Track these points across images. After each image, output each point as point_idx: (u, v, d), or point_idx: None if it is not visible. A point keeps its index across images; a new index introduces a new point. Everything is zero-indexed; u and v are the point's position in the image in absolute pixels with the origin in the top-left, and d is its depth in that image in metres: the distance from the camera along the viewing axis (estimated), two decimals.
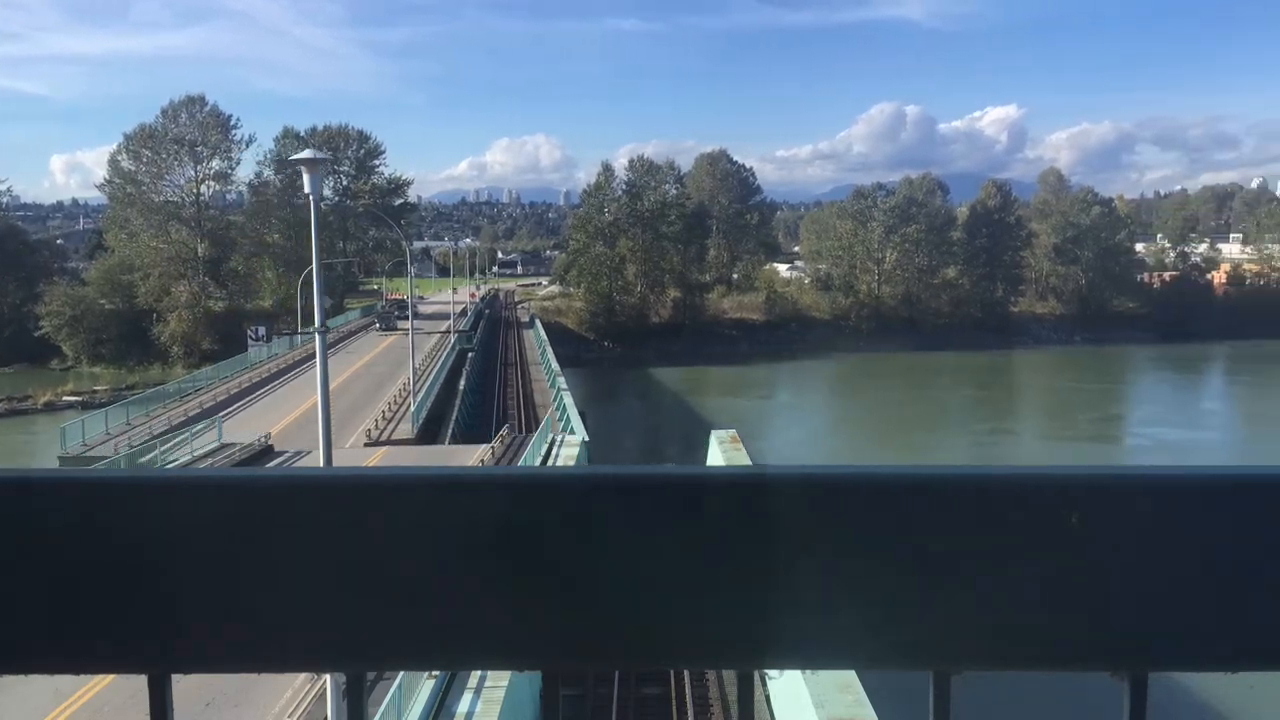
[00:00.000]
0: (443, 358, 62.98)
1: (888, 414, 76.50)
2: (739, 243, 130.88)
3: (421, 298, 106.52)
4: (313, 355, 67.75)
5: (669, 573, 0.76)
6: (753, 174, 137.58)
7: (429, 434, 43.80)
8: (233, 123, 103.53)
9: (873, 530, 0.75)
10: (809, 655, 0.77)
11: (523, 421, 51.06)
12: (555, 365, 65.58)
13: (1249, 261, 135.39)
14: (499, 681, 18.89)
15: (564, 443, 40.72)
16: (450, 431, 45.45)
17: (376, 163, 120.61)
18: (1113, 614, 0.76)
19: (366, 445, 39.68)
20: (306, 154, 22.05)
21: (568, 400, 51.69)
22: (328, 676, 13.76)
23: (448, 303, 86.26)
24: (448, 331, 73.68)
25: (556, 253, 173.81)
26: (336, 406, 48.24)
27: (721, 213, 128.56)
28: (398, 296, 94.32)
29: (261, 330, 73.78)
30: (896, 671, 0.75)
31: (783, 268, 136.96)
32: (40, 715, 17.98)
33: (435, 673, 18.23)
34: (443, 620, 0.76)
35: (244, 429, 41.57)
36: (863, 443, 64.22)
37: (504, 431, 44.51)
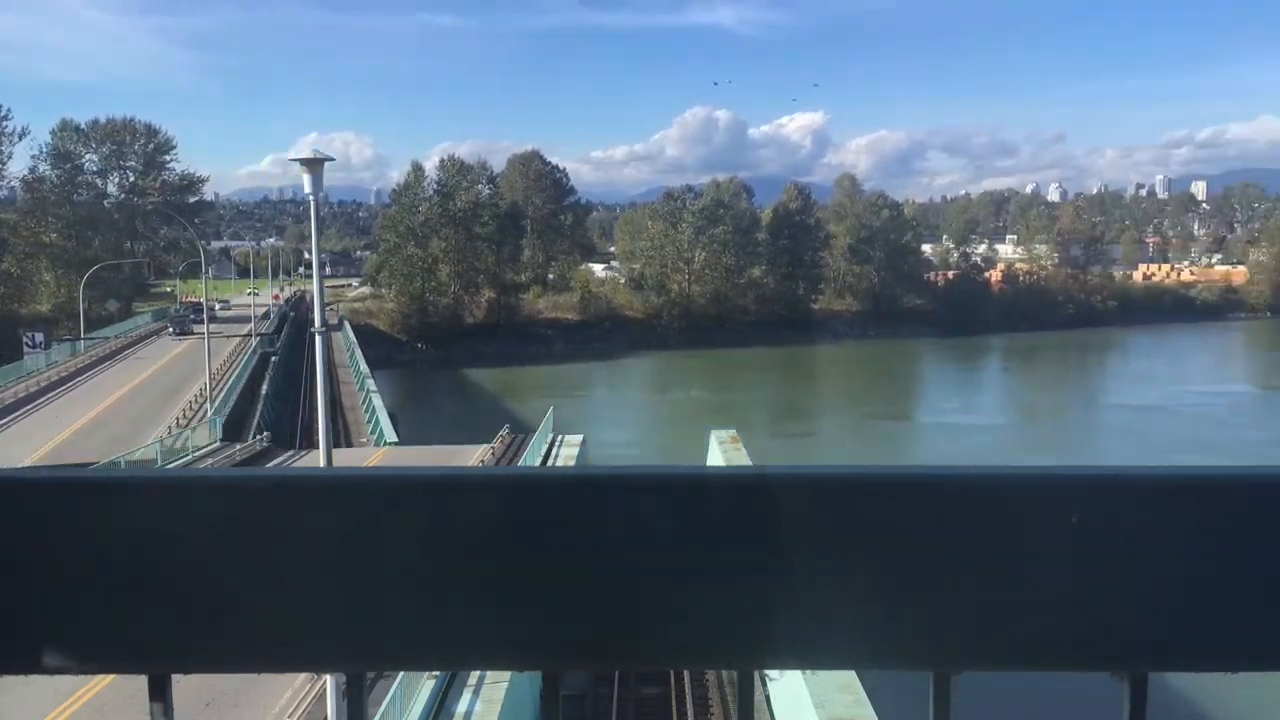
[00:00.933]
0: (243, 362, 60.53)
1: (699, 409, 79.24)
2: (554, 243, 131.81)
3: (223, 301, 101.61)
4: (95, 364, 63.19)
5: (669, 573, 0.76)
6: (566, 175, 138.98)
7: (229, 440, 42.02)
8: (1, 113, 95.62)
9: (873, 530, 0.76)
10: (809, 655, 0.77)
11: (333, 426, 49.80)
12: (364, 367, 64.36)
13: (1020, 261, 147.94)
14: (499, 681, 18.89)
15: (564, 442, 40.66)
16: (253, 437, 43.82)
17: (167, 158, 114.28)
18: (1113, 614, 0.76)
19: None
20: (306, 154, 20.93)
21: (377, 402, 50.89)
22: (328, 676, 13.72)
23: (253, 305, 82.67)
24: (249, 335, 70.98)
25: (368, 253, 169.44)
26: (124, 414, 45.74)
27: (536, 213, 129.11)
28: (194, 299, 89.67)
29: (39, 336, 68.39)
30: (896, 671, 0.75)
31: (598, 268, 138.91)
32: (40, 715, 17.95)
33: (435, 673, 18.01)
34: (443, 620, 0.76)
35: (18, 445, 38.41)
36: (674, 440, 66.22)
37: (504, 432, 44.26)
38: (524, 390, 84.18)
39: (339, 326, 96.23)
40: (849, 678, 17.87)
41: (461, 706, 18.85)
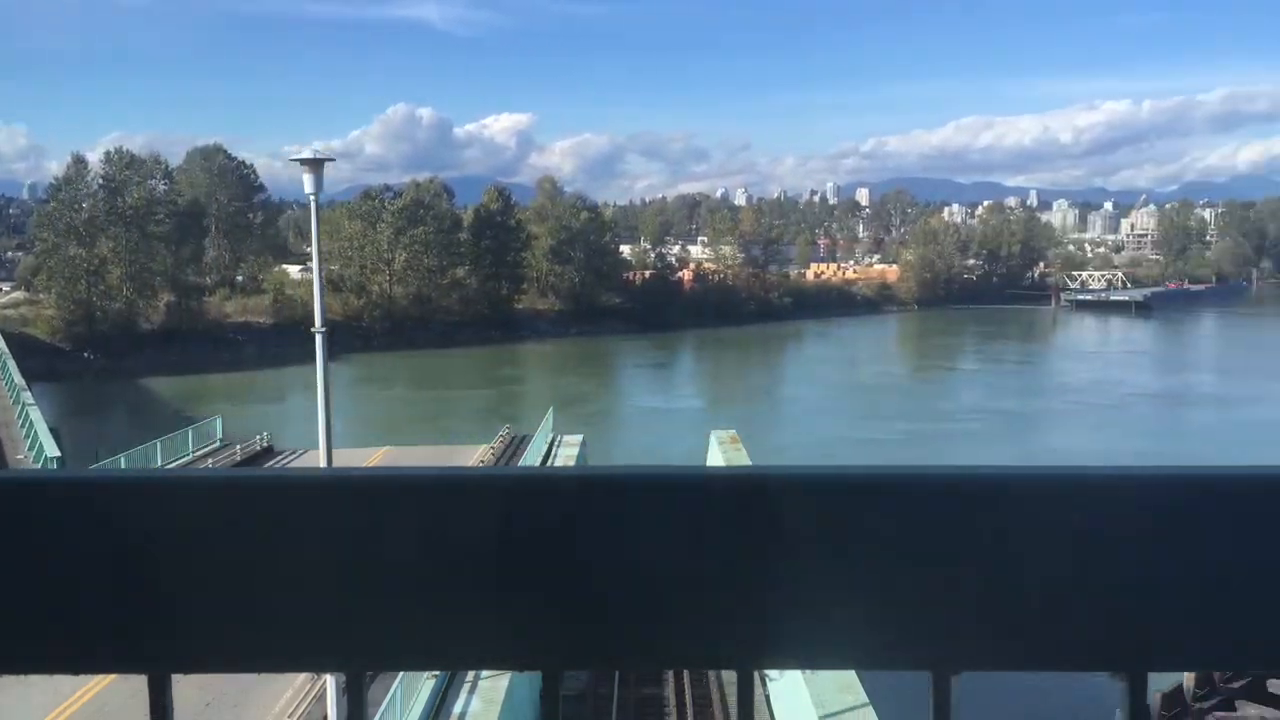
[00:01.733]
0: None
1: (402, 412, 78.47)
2: (242, 243, 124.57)
3: None
4: None
5: (669, 573, 0.75)
6: (254, 171, 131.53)
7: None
8: None
9: (872, 530, 0.75)
10: (809, 655, 0.77)
11: None
12: (19, 379, 58.04)
13: (709, 261, 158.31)
14: (499, 681, 18.64)
15: (563, 443, 39.90)
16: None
17: None
18: (1112, 614, 0.76)
19: None
20: (307, 153, 20.17)
21: (35, 415, 46.26)
22: (328, 676, 13.50)
23: None
24: None
25: (21, 254, 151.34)
26: None
27: (220, 211, 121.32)
28: None
29: None
30: (896, 671, 0.75)
31: (295, 269, 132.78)
32: (40, 715, 17.49)
33: (435, 673, 17.78)
34: (443, 620, 0.76)
35: None
36: (375, 442, 65.26)
37: (504, 431, 43.05)
38: (208, 398, 79.27)
39: None
40: (849, 678, 17.78)
41: (461, 706, 18.70)
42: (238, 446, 39.03)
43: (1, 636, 0.76)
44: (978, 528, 0.76)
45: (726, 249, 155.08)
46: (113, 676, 0.83)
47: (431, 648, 0.77)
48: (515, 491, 0.76)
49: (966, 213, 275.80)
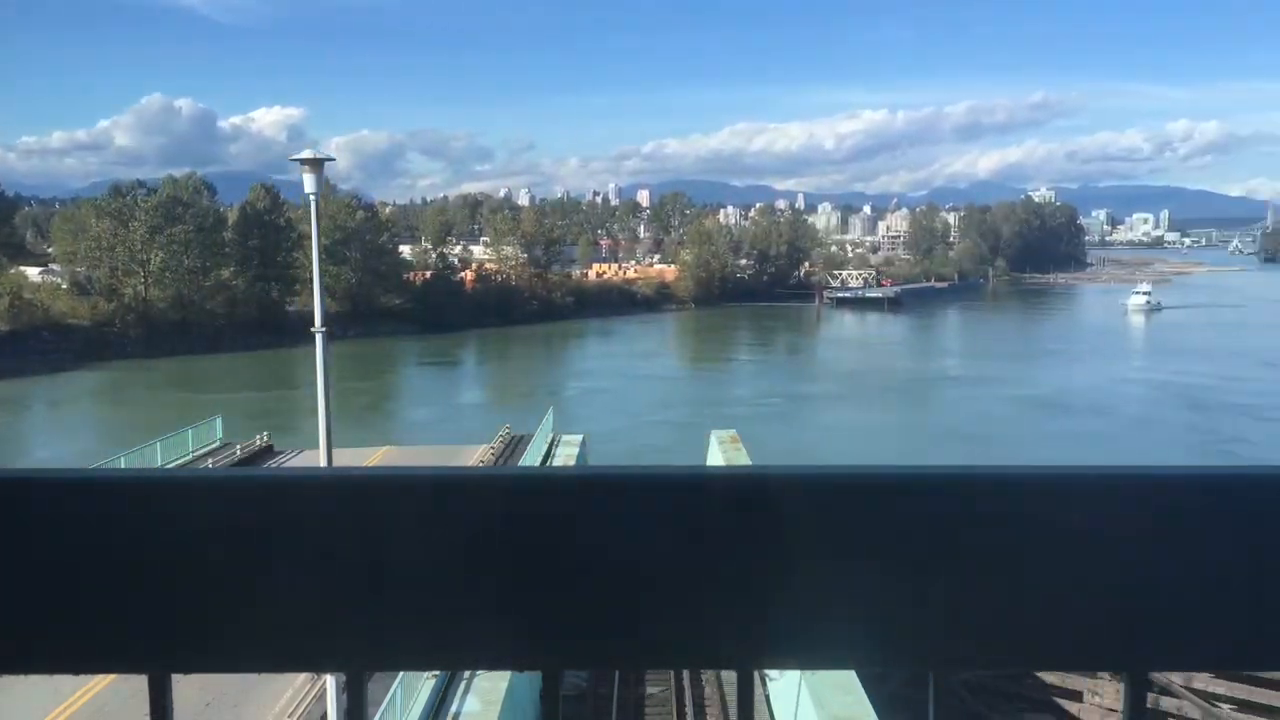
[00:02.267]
0: None
1: (156, 420, 73.76)
2: None
3: None
4: None
5: (669, 573, 0.76)
6: None
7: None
8: None
9: (873, 530, 0.76)
10: (809, 655, 0.77)
11: None
12: None
13: (490, 261, 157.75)
14: (499, 681, 18.45)
15: (563, 442, 39.39)
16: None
17: None
18: (1113, 614, 0.76)
19: None
20: (307, 153, 19.73)
21: None
22: (328, 676, 13.30)
23: None
24: None
25: None
26: None
27: None
28: None
29: None
30: (896, 671, 0.91)
31: (33, 271, 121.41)
32: (40, 715, 17.51)
33: (435, 673, 17.55)
34: (443, 620, 0.76)
35: None
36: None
37: (504, 431, 42.74)
38: None
39: None
40: (849, 678, 17.72)
41: (461, 706, 18.51)
42: (238, 446, 38.80)
43: (1, 636, 0.75)
44: (977, 527, 0.76)
45: (509, 249, 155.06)
46: (113, 676, 0.83)
47: (431, 648, 0.77)
48: (515, 491, 0.76)
49: (740, 214, 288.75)
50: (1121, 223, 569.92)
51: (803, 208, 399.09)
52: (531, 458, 37.28)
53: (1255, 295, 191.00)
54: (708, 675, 24.55)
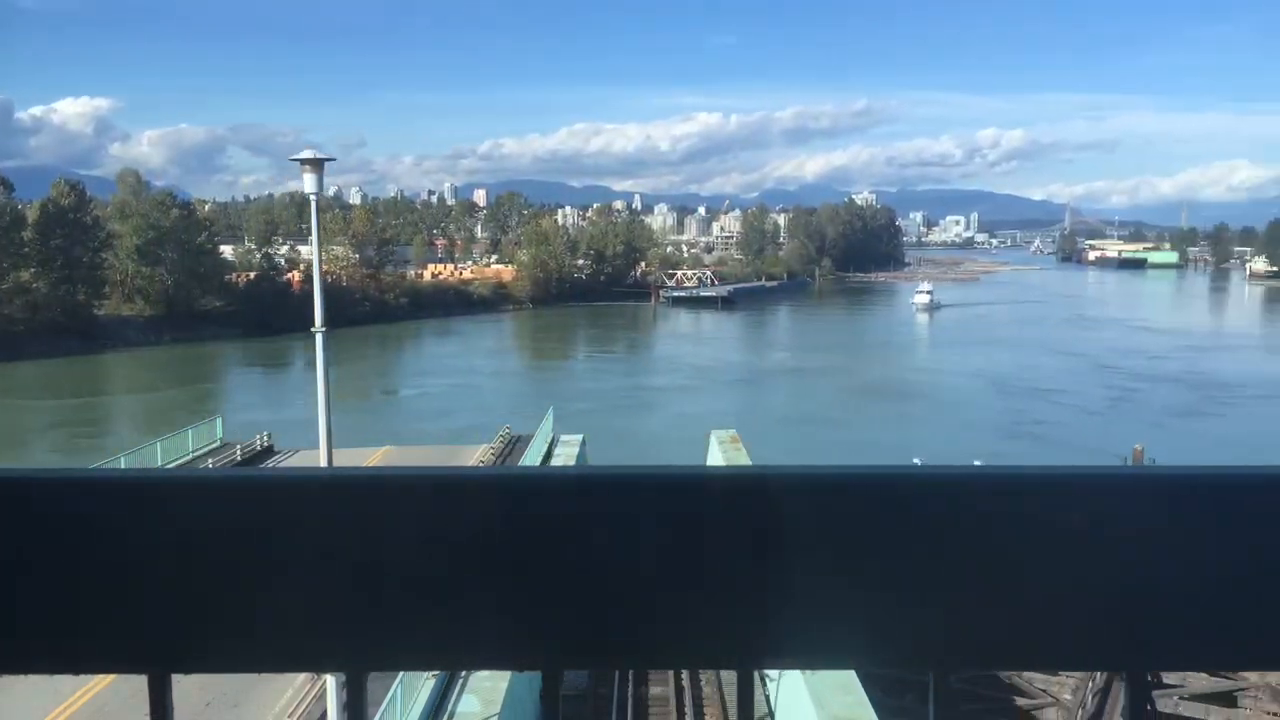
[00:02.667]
0: None
1: None
2: None
3: None
4: None
5: (669, 573, 0.76)
6: None
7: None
8: None
9: (872, 530, 0.76)
10: (809, 655, 0.77)
11: None
12: None
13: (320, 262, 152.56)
14: (499, 681, 18.40)
15: (562, 442, 39.42)
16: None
17: None
18: (1113, 614, 0.76)
19: None
20: (307, 153, 19.58)
21: None
22: (328, 676, 13.33)
23: None
24: None
25: None
26: None
27: None
28: None
29: None
30: (896, 671, 0.98)
31: None
32: (40, 715, 17.60)
33: (435, 673, 17.46)
34: (443, 620, 0.76)
35: None
36: None
37: (504, 431, 42.98)
38: None
39: None
40: (849, 678, 17.67)
41: (461, 706, 18.45)
42: (238, 446, 38.83)
43: (1, 636, 0.75)
44: (977, 527, 0.76)
45: (339, 249, 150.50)
46: (113, 676, 0.83)
47: (431, 648, 0.77)
48: (515, 491, 0.76)
49: (578, 215, 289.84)
50: (936, 224, 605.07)
51: (640, 208, 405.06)
52: (531, 458, 37.31)
53: (1053, 292, 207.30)
54: (708, 675, 24.46)
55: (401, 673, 15.52)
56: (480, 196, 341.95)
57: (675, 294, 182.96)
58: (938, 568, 0.76)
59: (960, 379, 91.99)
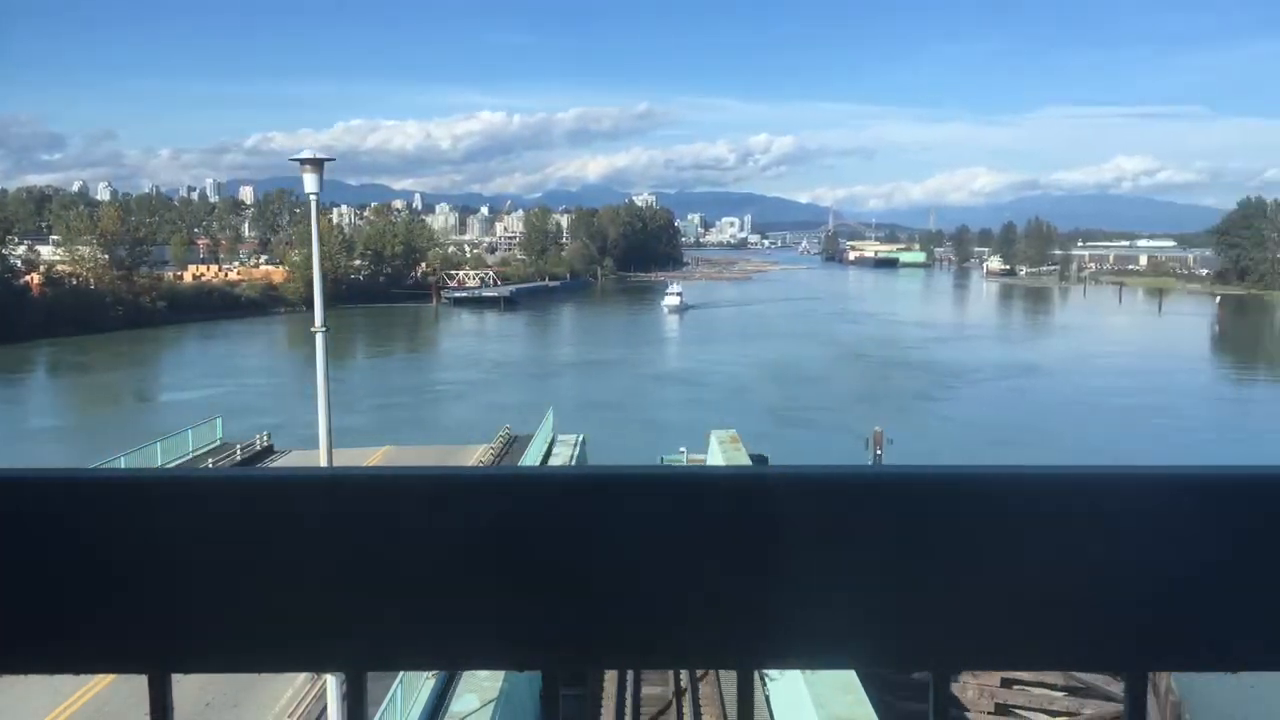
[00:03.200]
0: None
1: None
2: None
3: None
4: None
5: (669, 573, 0.76)
6: None
7: None
8: None
9: (872, 530, 0.76)
10: (809, 655, 0.78)
11: None
12: None
13: (64, 263, 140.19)
14: (499, 681, 18.33)
15: (561, 442, 39.42)
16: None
17: None
18: (1113, 614, 0.76)
19: None
20: (307, 153, 20.11)
21: None
22: (328, 676, 13.46)
23: None
24: None
25: None
26: None
27: None
28: None
29: None
30: (896, 671, 0.78)
31: None
32: (40, 715, 17.73)
33: (435, 673, 17.45)
34: (443, 620, 0.76)
35: None
36: None
37: (504, 431, 43.12)
38: None
39: None
40: (849, 678, 17.64)
41: (461, 706, 18.34)
42: (238, 446, 39.00)
43: (1, 636, 0.75)
44: (977, 527, 0.76)
45: (85, 249, 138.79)
46: (113, 676, 0.83)
47: (431, 648, 0.77)
48: (515, 490, 0.76)
49: (355, 214, 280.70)
50: (713, 225, 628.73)
51: (420, 208, 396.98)
52: (531, 458, 37.48)
53: (819, 289, 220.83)
54: (708, 675, 24.46)
55: (401, 673, 15.54)
56: (247, 194, 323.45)
57: (457, 294, 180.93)
58: (937, 567, 0.76)
59: (738, 367, 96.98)
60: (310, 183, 20.76)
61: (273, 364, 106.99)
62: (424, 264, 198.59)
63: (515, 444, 42.04)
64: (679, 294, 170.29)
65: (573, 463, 34.25)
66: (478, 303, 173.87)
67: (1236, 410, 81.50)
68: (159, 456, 35.65)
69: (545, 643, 0.77)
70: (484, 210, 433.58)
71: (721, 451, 36.25)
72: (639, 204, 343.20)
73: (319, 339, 21.85)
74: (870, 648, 0.77)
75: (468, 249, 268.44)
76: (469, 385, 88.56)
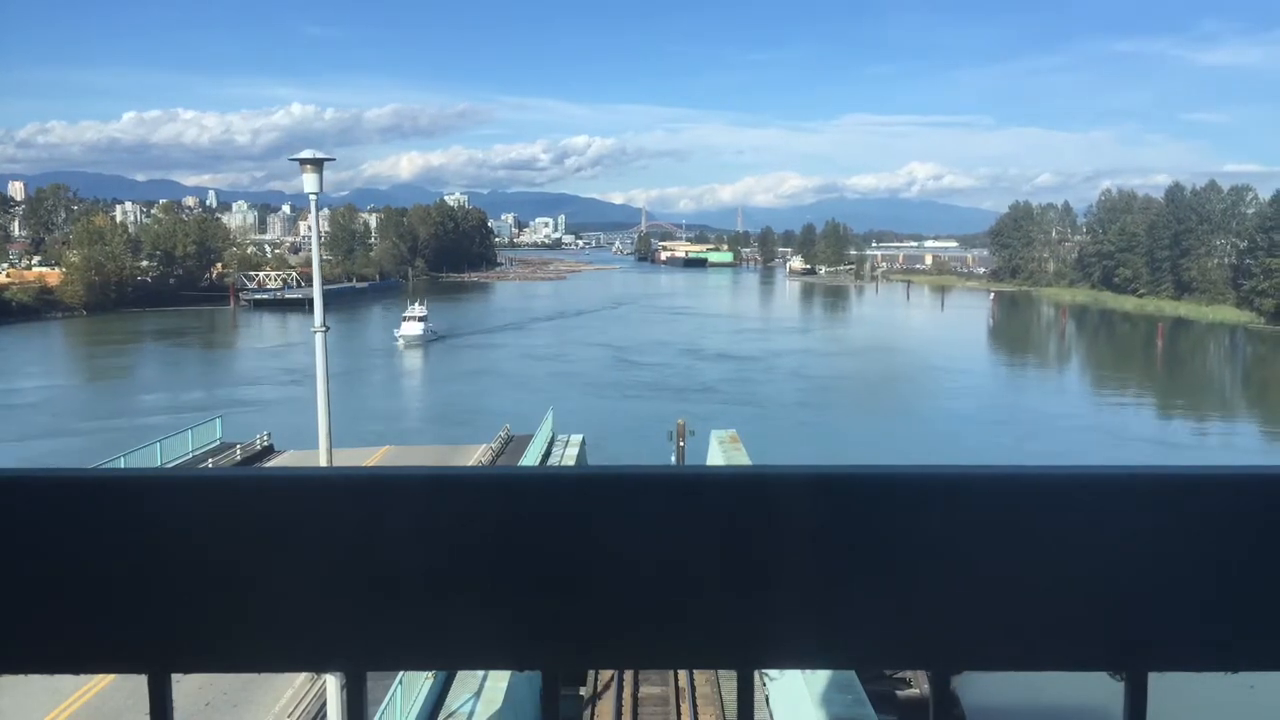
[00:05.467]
0: None
1: None
2: None
3: None
4: None
5: (669, 572, 0.76)
6: None
7: None
8: None
9: (872, 530, 0.76)
10: (809, 655, 0.78)
11: None
12: None
13: None
14: (499, 681, 18.65)
15: (562, 442, 39.85)
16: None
17: None
18: (1112, 614, 0.76)
19: None
20: (307, 153, 20.16)
21: None
22: (328, 676, 14.14)
23: None
24: None
25: None
26: None
27: None
28: None
29: None
30: (896, 671, 1.14)
31: None
32: (40, 715, 17.90)
33: (435, 672, 17.39)
34: (443, 620, 0.76)
35: None
36: None
37: (503, 430, 43.31)
38: None
39: None
40: (849, 678, 17.61)
41: (461, 706, 18.45)
42: (238, 446, 39.16)
43: (2, 636, 0.75)
44: (977, 527, 0.76)
45: None
46: (113, 676, 0.83)
47: (431, 647, 0.77)
48: (515, 490, 0.76)
49: (142, 211, 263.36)
50: (527, 225, 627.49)
51: (215, 205, 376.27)
52: (531, 458, 37.36)
53: (633, 290, 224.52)
54: (707, 675, 24.41)
55: (401, 673, 15.60)
56: (17, 189, 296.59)
57: (258, 296, 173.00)
58: (937, 568, 0.76)
59: (571, 362, 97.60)
60: (310, 183, 20.56)
61: (45, 374, 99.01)
62: (220, 265, 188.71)
63: (510, 444, 42.78)
64: (422, 318, 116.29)
65: (573, 463, 34.23)
66: (281, 305, 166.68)
67: (1001, 388, 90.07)
68: (159, 456, 35.76)
69: (545, 643, 0.76)
70: (286, 209, 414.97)
71: (721, 451, 35.91)
72: (450, 203, 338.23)
73: (318, 339, 21.83)
74: (870, 648, 0.77)
75: (269, 249, 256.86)
76: (260, 401, 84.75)
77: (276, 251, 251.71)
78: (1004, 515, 0.76)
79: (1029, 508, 0.76)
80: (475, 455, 39.89)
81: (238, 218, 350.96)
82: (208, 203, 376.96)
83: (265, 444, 41.54)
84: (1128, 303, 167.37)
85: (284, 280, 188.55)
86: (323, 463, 21.09)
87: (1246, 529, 0.76)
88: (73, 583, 0.75)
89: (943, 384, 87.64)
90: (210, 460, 37.55)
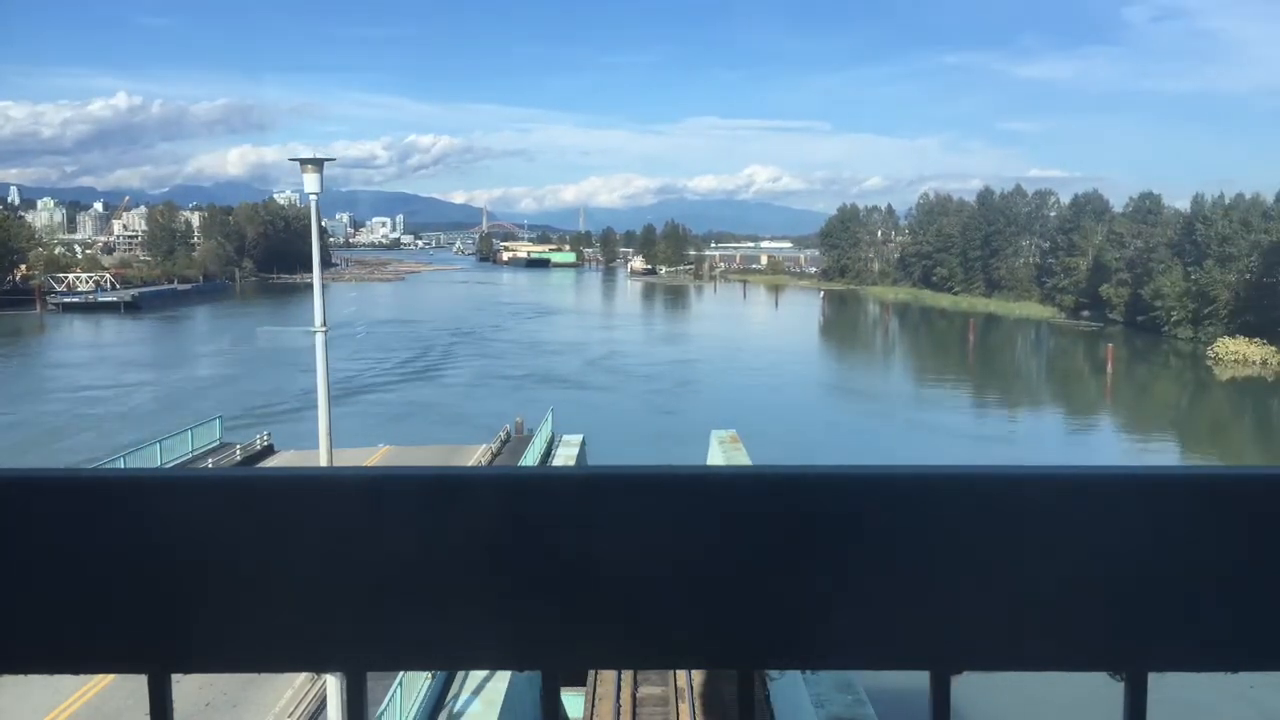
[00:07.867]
0: None
1: None
2: None
3: None
4: None
5: (669, 573, 0.76)
6: None
7: None
8: None
9: (872, 529, 0.76)
10: (809, 655, 0.77)
11: None
12: None
13: None
14: (499, 681, 18.61)
15: (563, 442, 39.95)
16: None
17: None
18: (1112, 614, 0.76)
19: None
20: (307, 153, 20.60)
21: None
22: (328, 676, 13.94)
23: None
24: None
25: None
26: None
27: None
28: None
29: None
30: (896, 671, 0.76)
31: None
32: (40, 715, 18.00)
33: (435, 673, 17.59)
34: (443, 620, 0.76)
35: None
36: None
37: (504, 431, 43.71)
38: None
39: None
40: (849, 678, 17.60)
41: (461, 706, 18.47)
42: (238, 446, 39.32)
43: (2, 636, 0.75)
44: (977, 527, 0.76)
45: None
46: (113, 676, 0.83)
47: (431, 648, 0.77)
48: (515, 490, 0.76)
49: None
50: (364, 225, 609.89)
51: (18, 202, 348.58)
52: (531, 458, 37.58)
53: (475, 291, 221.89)
54: (708, 675, 24.03)
55: (401, 673, 15.55)
56: None
57: (68, 299, 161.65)
58: (937, 568, 0.76)
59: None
60: (310, 183, 20.72)
61: None
62: (24, 266, 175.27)
63: (507, 443, 43.28)
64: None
65: (573, 463, 34.02)
66: (94, 308, 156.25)
67: (825, 375, 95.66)
68: (159, 456, 35.60)
69: (545, 643, 0.76)
70: (98, 206, 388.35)
71: (721, 451, 35.98)
72: (281, 202, 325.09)
73: (318, 339, 21.93)
74: (870, 648, 0.77)
75: (79, 249, 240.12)
76: (74, 416, 79.64)
77: (88, 252, 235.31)
78: (1004, 515, 0.76)
79: (1029, 508, 0.76)
80: (475, 455, 40.51)
81: (44, 216, 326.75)
82: (9, 200, 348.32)
83: (265, 444, 41.78)
84: (944, 300, 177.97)
85: (96, 282, 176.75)
86: (323, 463, 21.06)
87: (1246, 529, 0.76)
88: (73, 583, 0.74)
89: (770, 380, 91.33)
90: (210, 460, 37.57)
